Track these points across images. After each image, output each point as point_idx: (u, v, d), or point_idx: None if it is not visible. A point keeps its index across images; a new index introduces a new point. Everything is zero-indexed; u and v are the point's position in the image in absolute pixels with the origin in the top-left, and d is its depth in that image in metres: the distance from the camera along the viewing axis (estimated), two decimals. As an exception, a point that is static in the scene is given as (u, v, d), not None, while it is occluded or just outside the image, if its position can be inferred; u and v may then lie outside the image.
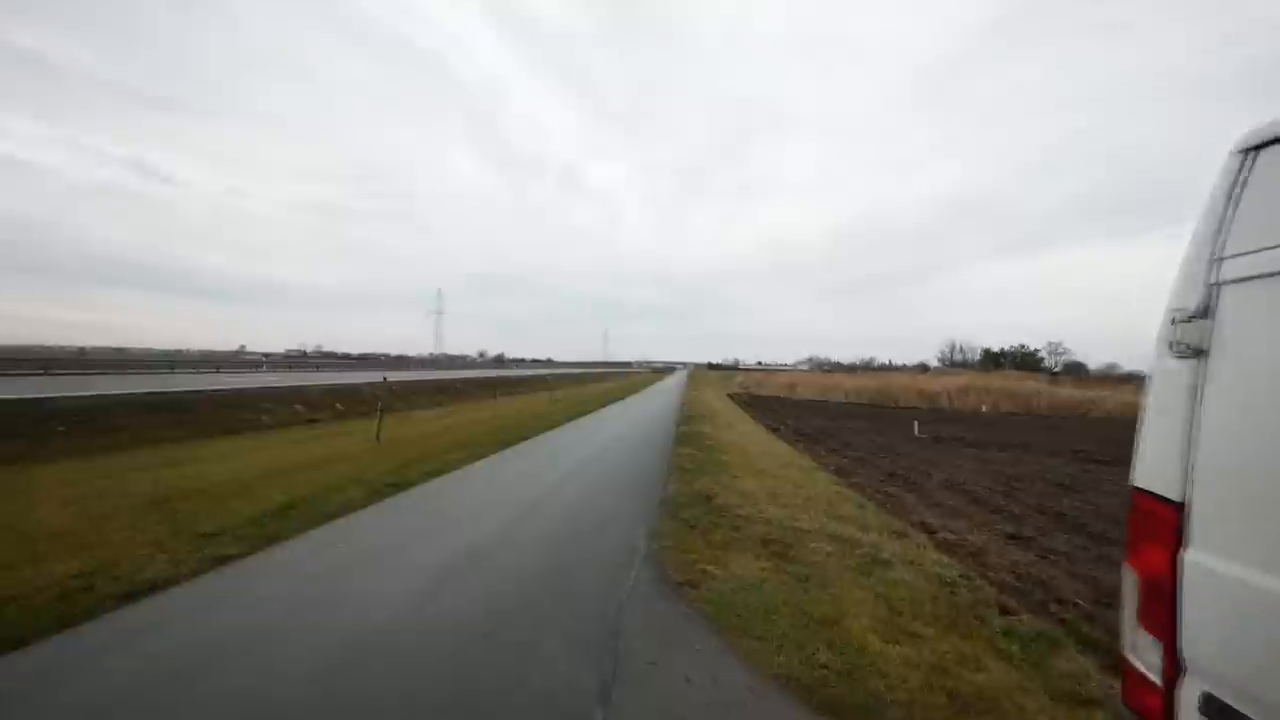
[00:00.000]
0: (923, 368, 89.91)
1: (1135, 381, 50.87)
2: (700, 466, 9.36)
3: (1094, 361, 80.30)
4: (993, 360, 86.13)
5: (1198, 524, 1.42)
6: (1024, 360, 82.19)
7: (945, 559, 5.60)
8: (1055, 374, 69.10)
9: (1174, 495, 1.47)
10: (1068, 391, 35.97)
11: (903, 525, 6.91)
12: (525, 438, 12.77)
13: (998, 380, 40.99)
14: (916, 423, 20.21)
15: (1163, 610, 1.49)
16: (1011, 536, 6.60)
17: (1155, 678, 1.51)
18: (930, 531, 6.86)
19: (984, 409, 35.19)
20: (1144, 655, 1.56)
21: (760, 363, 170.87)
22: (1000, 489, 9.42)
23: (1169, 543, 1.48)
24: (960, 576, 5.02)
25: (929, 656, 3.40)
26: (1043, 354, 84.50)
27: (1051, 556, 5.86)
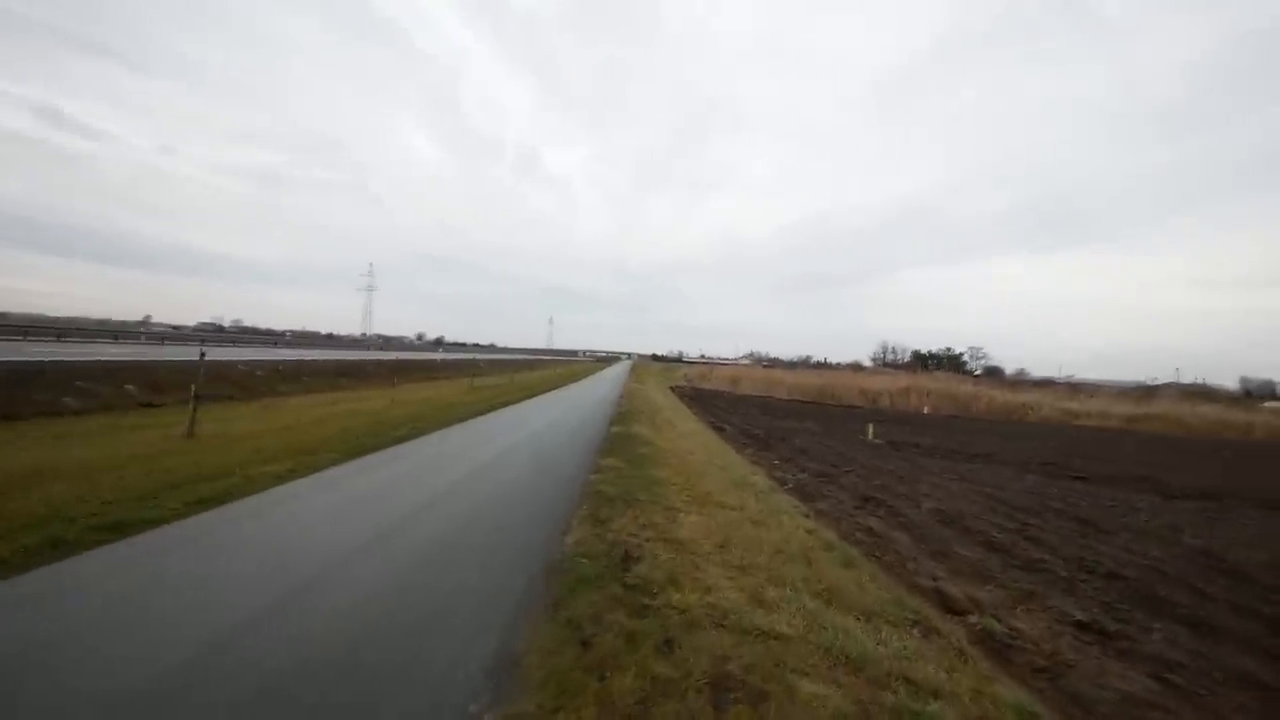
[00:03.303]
0: (857, 366, 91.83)
1: (1054, 387, 52.77)
2: (626, 490, 6.74)
3: (1008, 366, 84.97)
4: (921, 361, 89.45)
5: None
6: (950, 362, 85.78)
7: (1023, 696, 3.23)
8: (977, 376, 72.07)
9: None
10: (1005, 395, 36.03)
11: (919, 602, 4.55)
12: (403, 439, 9.75)
13: (938, 382, 40.90)
14: (871, 426, 18.51)
15: None
16: (1082, 626, 4.36)
17: None
18: (959, 612, 4.55)
19: (925, 410, 34.69)
20: None
21: (704, 355, 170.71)
22: (1009, 524, 7.36)
23: None
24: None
25: None
26: (966, 357, 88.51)
27: (1172, 678, 3.62)
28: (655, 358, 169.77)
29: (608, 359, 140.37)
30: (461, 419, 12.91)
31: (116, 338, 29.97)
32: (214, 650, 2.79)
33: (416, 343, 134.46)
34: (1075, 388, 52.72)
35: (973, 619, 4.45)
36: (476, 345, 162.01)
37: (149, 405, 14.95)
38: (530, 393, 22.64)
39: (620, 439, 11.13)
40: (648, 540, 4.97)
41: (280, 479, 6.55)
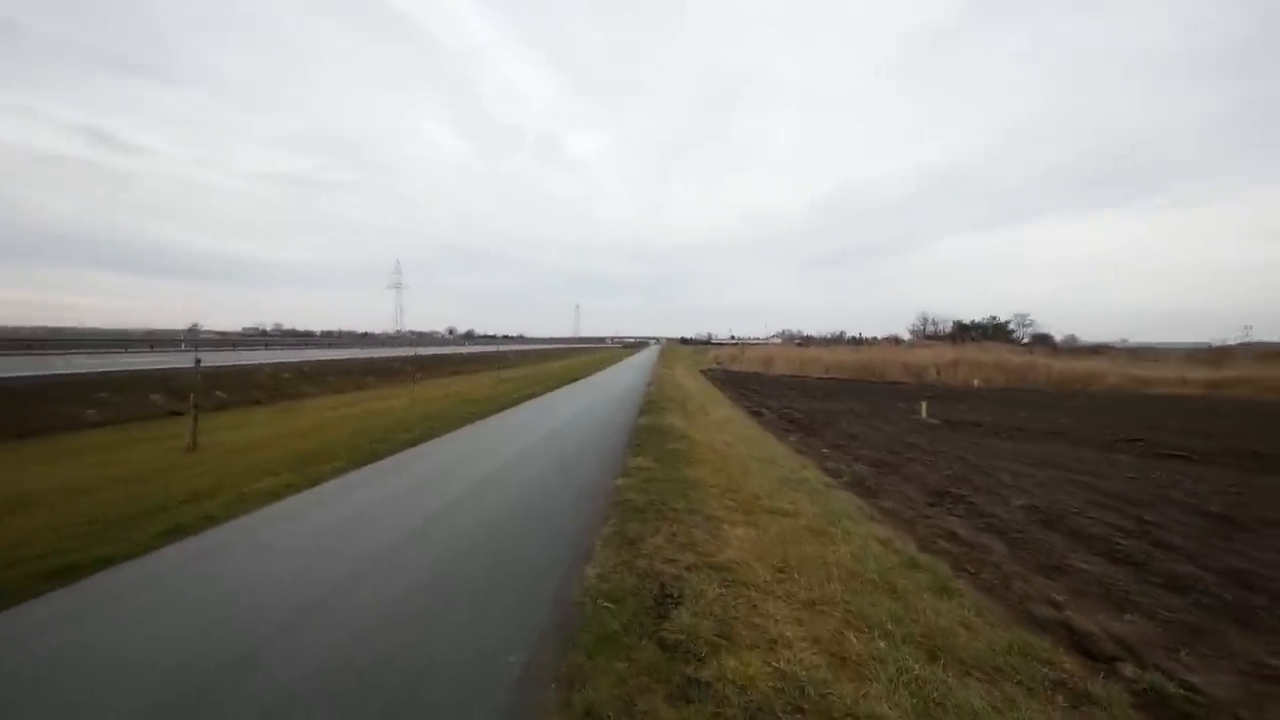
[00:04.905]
0: (896, 340, 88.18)
1: (1112, 352, 49.27)
2: (659, 497, 5.80)
3: (1057, 333, 79.91)
4: (964, 331, 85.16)
5: None
6: (995, 332, 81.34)
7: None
8: (1025, 345, 68.29)
9: None
10: (1064, 364, 33.56)
11: (1047, 645, 3.46)
12: (417, 441, 9.02)
13: (988, 353, 38.54)
14: (925, 404, 17.07)
15: None
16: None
17: None
18: (1102, 658, 3.45)
19: (976, 383, 32.63)
20: None
21: (733, 336, 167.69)
22: (1124, 523, 6.13)
23: None
24: None
25: None
26: (1012, 325, 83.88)
27: None
28: (684, 341, 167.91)
29: (636, 344, 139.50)
30: (482, 415, 12.18)
31: (153, 347, 30.55)
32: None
33: (448, 337, 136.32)
34: (1136, 353, 49.30)
35: (1126, 670, 3.35)
36: (506, 337, 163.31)
37: (175, 414, 14.77)
38: (556, 383, 21.92)
39: (650, 432, 10.18)
40: (688, 569, 4.01)
41: (274, 496, 5.85)
